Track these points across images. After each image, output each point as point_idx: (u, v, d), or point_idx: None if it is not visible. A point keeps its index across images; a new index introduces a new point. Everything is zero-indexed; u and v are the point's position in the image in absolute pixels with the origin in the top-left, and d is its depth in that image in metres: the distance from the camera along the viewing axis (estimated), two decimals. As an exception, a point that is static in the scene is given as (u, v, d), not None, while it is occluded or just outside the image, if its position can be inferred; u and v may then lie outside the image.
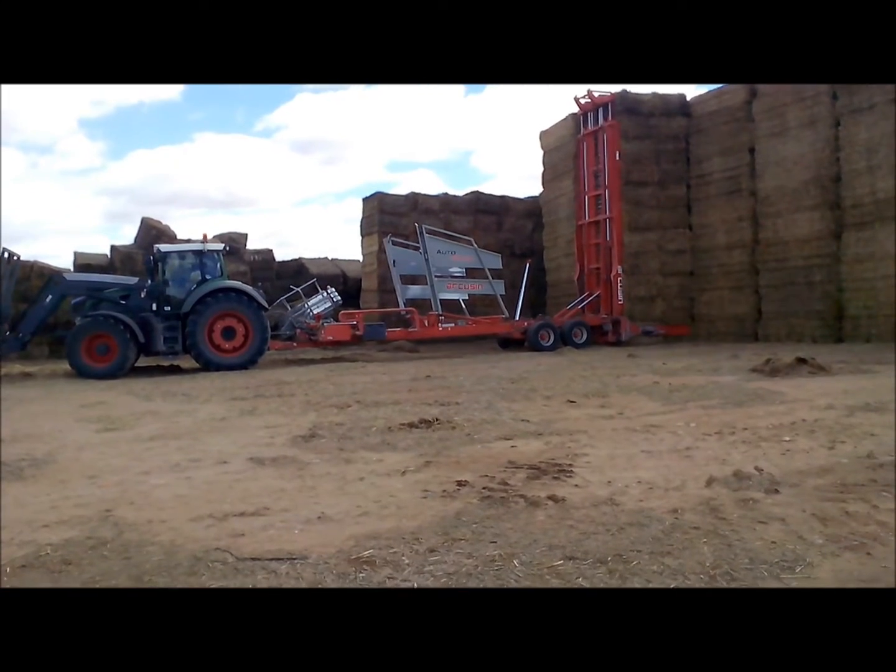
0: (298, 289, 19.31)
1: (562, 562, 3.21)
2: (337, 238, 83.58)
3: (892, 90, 15.19)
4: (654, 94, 20.84)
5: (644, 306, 20.57)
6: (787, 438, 5.79)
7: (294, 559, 3.35)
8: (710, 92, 20.47)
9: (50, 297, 15.25)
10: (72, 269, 21.68)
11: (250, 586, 3.05)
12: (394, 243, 19.54)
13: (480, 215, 25.82)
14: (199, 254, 15.84)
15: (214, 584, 3.08)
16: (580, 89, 21.27)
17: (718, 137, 19.73)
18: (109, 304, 15.31)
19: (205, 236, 16.41)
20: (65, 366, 14.96)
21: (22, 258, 16.42)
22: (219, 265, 15.96)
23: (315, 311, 18.15)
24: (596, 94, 20.71)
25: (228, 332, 15.31)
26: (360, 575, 3.14)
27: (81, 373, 14.28)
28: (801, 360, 10.29)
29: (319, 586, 3.04)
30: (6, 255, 15.18)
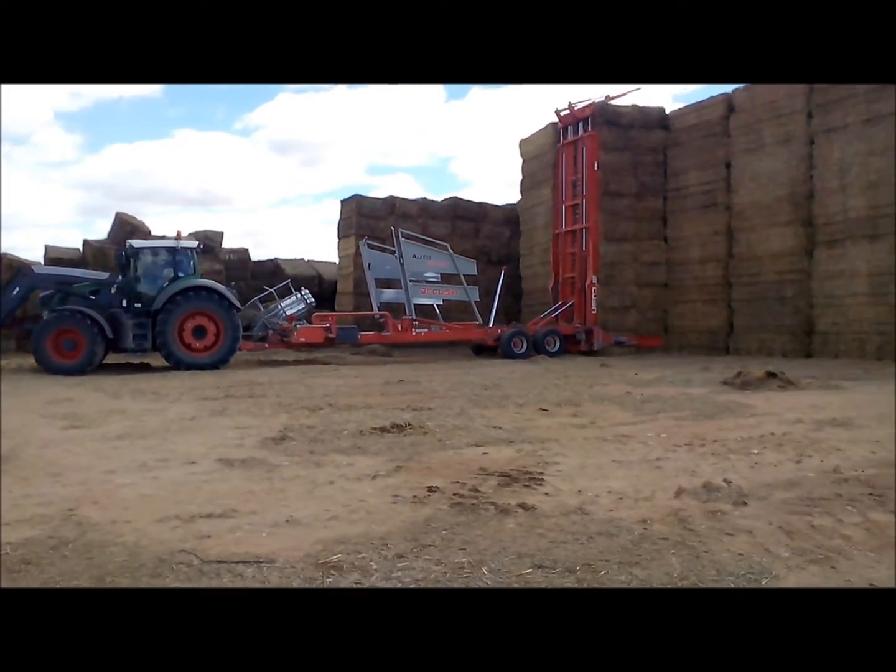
0: (272, 289, 19.17)
1: (531, 570, 3.21)
2: (313, 240, 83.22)
3: (866, 111, 15.45)
4: (634, 107, 20.98)
5: (618, 316, 20.68)
6: (756, 451, 5.85)
7: (261, 563, 3.31)
8: (688, 106, 20.67)
9: (17, 289, 14.98)
10: (42, 262, 21.32)
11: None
12: (369, 246, 19.47)
13: (458, 221, 25.84)
14: (172, 251, 15.63)
15: (179, 587, 3.03)
16: (563, 93, 21.38)
17: (696, 151, 19.91)
18: (78, 298, 15.07)
19: (178, 233, 16.20)
20: (32, 361, 14.69)
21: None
22: (192, 263, 15.76)
23: (288, 313, 18.01)
24: (576, 107, 20.81)
25: (199, 331, 15.09)
26: (328, 580, 3.10)
27: (47, 368, 14.02)
28: (771, 375, 10.41)
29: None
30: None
